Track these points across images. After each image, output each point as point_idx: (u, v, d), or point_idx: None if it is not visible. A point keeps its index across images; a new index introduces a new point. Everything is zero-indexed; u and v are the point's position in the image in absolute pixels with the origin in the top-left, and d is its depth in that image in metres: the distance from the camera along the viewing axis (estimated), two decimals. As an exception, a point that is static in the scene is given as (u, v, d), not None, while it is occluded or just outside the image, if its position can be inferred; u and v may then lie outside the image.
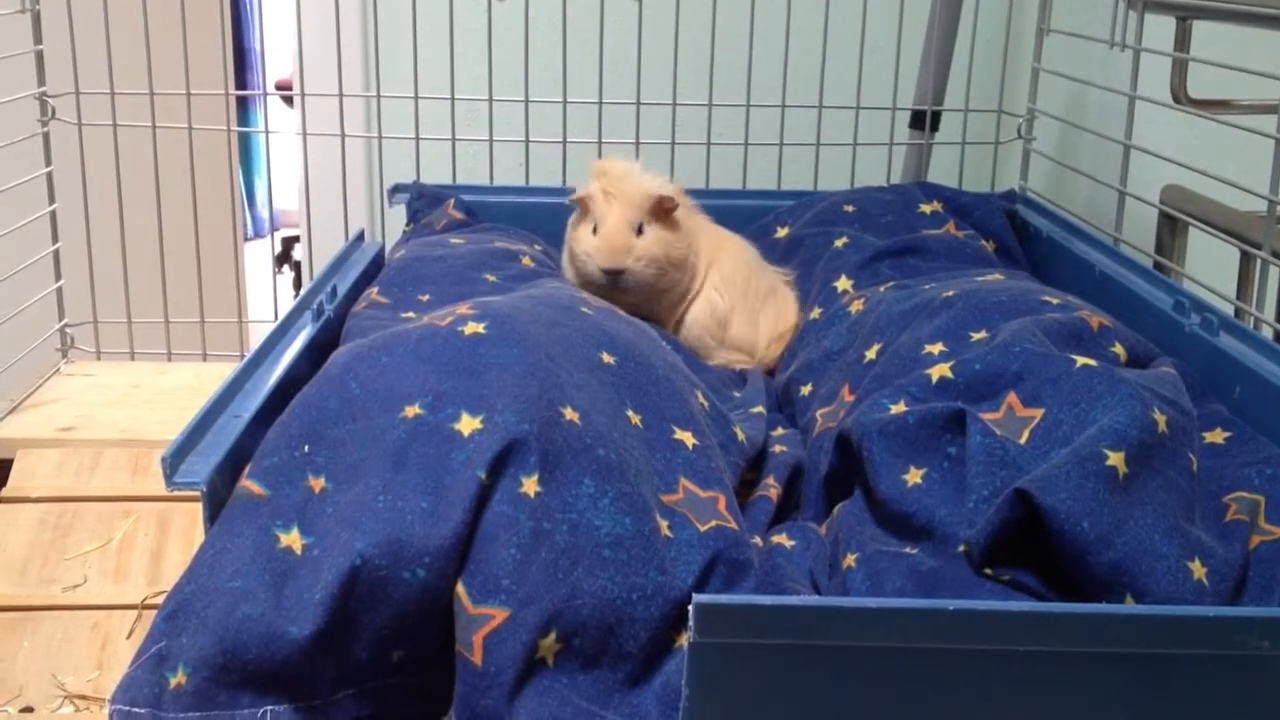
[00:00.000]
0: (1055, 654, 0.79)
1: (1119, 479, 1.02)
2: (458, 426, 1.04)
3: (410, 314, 1.43)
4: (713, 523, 1.07)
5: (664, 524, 1.05)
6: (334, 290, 1.52)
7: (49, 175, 1.94)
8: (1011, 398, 1.16)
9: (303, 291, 1.50)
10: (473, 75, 2.13)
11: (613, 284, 1.58)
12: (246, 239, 4.81)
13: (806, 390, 1.47)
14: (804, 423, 1.43)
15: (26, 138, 1.90)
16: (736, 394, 1.51)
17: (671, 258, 1.61)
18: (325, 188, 2.15)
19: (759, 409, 1.42)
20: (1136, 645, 0.79)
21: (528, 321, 1.17)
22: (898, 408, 1.20)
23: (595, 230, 1.60)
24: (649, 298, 1.63)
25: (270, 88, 5.07)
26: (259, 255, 4.25)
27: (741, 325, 1.67)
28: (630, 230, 1.58)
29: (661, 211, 1.60)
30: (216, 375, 1.80)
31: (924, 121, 2.17)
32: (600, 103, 2.05)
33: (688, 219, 1.67)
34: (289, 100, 3.73)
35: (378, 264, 1.72)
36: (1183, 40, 1.64)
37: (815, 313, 1.63)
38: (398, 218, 1.98)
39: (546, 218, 1.87)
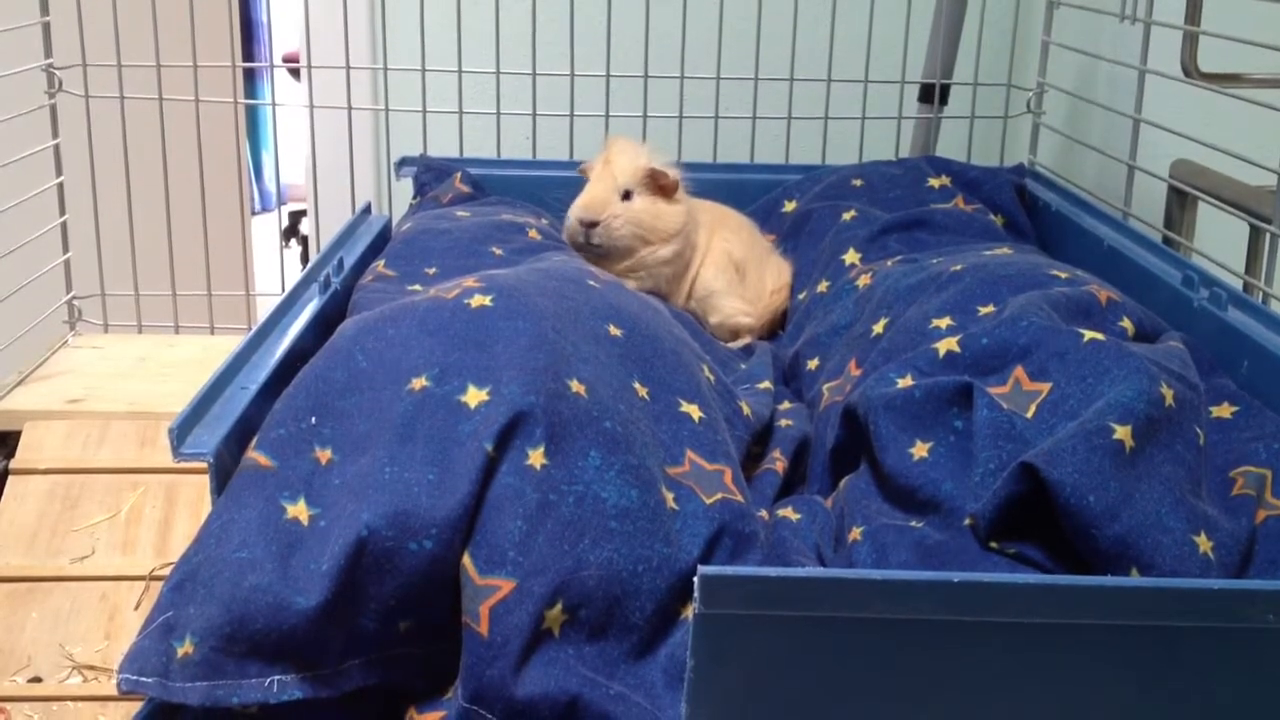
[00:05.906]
0: (1061, 626, 0.79)
1: (1126, 453, 1.02)
2: (464, 398, 1.04)
3: (417, 287, 1.43)
4: (718, 495, 1.08)
5: (670, 496, 1.05)
6: (341, 263, 1.52)
7: (56, 148, 1.94)
8: (1018, 372, 1.16)
9: (310, 264, 1.50)
10: (480, 48, 2.12)
11: (587, 240, 1.61)
12: (254, 212, 4.81)
13: (813, 365, 1.47)
14: (810, 397, 1.43)
15: (33, 110, 1.89)
16: (742, 366, 1.51)
17: (657, 228, 1.63)
18: (332, 161, 2.15)
19: (765, 384, 1.42)
20: (1142, 618, 0.79)
21: (534, 294, 1.17)
22: (904, 381, 1.20)
23: None
24: (643, 268, 1.64)
25: (277, 60, 5.05)
26: (266, 229, 4.24)
27: (754, 272, 1.72)
28: (614, 192, 1.62)
29: (655, 185, 1.63)
30: (224, 348, 1.80)
31: (933, 95, 2.16)
32: (608, 76, 2.05)
33: (688, 200, 1.69)
34: (296, 73, 3.72)
35: (384, 237, 1.72)
36: (1193, 13, 1.63)
37: (822, 286, 1.63)
38: (404, 191, 1.97)
39: (553, 191, 1.87)
